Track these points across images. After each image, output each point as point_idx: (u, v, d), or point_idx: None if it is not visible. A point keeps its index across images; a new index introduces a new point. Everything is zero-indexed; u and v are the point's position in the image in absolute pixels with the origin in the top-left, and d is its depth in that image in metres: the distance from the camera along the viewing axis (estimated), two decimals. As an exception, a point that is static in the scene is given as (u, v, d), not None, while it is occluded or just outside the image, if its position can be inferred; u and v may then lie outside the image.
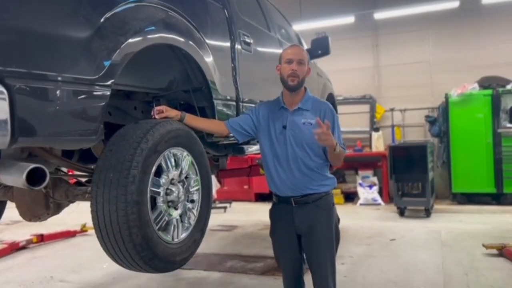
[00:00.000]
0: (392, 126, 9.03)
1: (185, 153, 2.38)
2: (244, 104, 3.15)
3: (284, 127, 2.54)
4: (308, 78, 4.94)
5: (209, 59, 2.67)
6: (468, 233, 5.57)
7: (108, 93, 1.87)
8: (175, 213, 2.29)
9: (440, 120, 7.96)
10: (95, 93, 1.80)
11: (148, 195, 2.07)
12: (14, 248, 5.46)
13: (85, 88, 1.76)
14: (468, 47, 8.52)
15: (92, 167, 2.31)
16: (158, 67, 2.66)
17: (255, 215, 7.46)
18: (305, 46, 5.06)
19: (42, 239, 5.86)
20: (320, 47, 4.84)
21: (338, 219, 2.73)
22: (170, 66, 2.69)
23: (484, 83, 7.60)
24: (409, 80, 8.82)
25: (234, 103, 3.03)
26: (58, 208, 2.66)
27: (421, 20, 8.63)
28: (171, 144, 2.26)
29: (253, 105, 3.32)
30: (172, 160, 2.28)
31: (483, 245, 4.61)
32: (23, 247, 5.59)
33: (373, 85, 9.30)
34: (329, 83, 5.98)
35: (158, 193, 2.16)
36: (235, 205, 8.76)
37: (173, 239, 2.23)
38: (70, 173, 2.60)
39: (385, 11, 8.26)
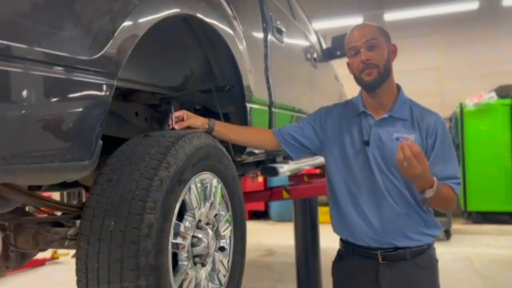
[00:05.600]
0: (399, 138, 8.39)
1: (215, 180, 1.62)
2: (276, 110, 2.40)
3: (366, 143, 1.76)
4: (327, 82, 4.25)
5: (242, 45, 1.93)
6: (503, 260, 4.92)
7: (113, 85, 1.11)
8: (203, 272, 1.53)
9: (453, 132, 7.36)
10: (90, 83, 1.03)
11: (170, 253, 1.31)
12: (-29, 282, 4.55)
13: (76, 74, 0.98)
14: (480, 53, 7.98)
15: (79, 202, 1.52)
16: (171, 56, 1.89)
17: (252, 238, 6.63)
18: (324, 45, 4.36)
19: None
20: (342, 46, 4.09)
21: None
22: (187, 55, 1.93)
23: (502, 92, 7.05)
24: (418, 88, 8.17)
25: (266, 108, 2.28)
26: (22, 259, 1.84)
27: (430, 24, 8.07)
28: (199, 168, 1.50)
29: (285, 111, 2.58)
30: (200, 192, 1.52)
31: (535, 279, 3.96)
32: (-18, 281, 4.67)
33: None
34: (343, 89, 5.30)
35: (182, 247, 1.40)
36: (227, 223, 7.94)
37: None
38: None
39: (395, 12, 7.67)
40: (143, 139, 1.42)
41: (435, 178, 1.57)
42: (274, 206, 7.86)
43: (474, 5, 7.42)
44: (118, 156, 1.35)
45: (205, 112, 2.13)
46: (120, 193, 1.23)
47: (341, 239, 1.91)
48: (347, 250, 1.86)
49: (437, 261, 1.82)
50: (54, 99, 0.95)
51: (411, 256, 1.71)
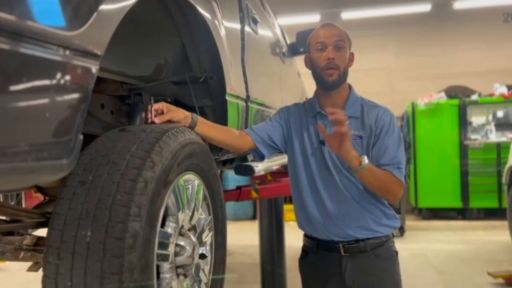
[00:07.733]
0: (351, 136, 8.49)
1: (198, 181, 1.46)
2: (253, 105, 2.26)
3: (322, 142, 1.78)
4: (293, 78, 4.15)
5: (222, 31, 1.77)
6: (456, 256, 5.06)
7: (97, 69, 0.92)
8: (187, 285, 1.37)
9: (405, 130, 7.53)
10: (69, 64, 0.84)
11: (155, 266, 1.14)
12: None
13: (52, 52, 0.79)
14: (430, 54, 8.22)
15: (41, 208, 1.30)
16: (143, 43, 1.70)
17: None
18: (288, 40, 4.25)
19: None
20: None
21: None
22: (161, 42, 1.75)
23: (450, 92, 7.29)
24: (369, 88, 8.29)
25: (243, 103, 2.12)
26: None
27: (383, 24, 8.21)
28: (184, 168, 1.33)
29: (260, 106, 2.44)
30: (184, 195, 1.35)
31: (489, 274, 4.07)
32: None
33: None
34: (304, 86, 5.23)
35: (166, 258, 1.23)
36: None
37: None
38: None
39: (351, 11, 7.72)
40: (120, 134, 1.22)
41: (363, 157, 1.59)
42: (229, 204, 7.69)
43: (427, 7, 7.63)
44: (92, 153, 1.15)
45: (176, 105, 1.95)
46: (98, 197, 1.04)
47: (305, 235, 1.93)
48: (311, 245, 1.87)
49: (396, 252, 1.86)
50: (24, 83, 0.76)
51: (371, 248, 1.75)
